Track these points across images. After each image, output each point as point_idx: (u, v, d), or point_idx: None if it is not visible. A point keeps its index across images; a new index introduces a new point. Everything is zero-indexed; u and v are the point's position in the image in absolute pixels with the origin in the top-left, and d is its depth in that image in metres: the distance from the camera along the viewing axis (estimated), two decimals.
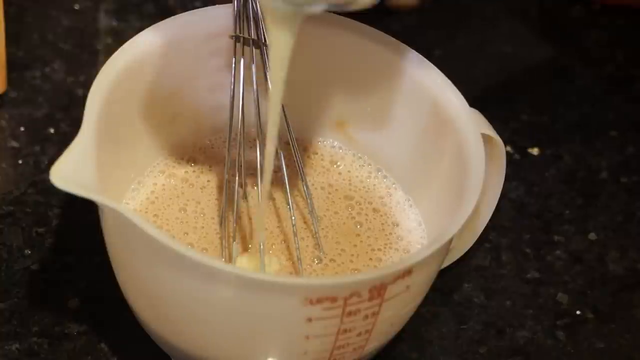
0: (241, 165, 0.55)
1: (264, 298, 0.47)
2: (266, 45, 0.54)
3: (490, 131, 0.54)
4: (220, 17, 0.55)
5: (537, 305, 0.59)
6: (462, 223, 0.49)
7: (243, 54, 0.54)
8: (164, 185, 0.57)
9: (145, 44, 0.54)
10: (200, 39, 0.55)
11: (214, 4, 0.56)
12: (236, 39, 0.54)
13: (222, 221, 0.55)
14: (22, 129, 0.64)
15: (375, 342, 0.51)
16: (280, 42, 0.48)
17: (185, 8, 0.66)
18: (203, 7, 0.56)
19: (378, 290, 0.47)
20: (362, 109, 0.57)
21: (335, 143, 0.59)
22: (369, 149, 0.59)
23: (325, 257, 0.55)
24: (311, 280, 0.50)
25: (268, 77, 0.52)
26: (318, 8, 0.46)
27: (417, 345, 0.57)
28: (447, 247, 0.51)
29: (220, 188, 0.57)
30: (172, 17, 0.55)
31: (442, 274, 0.55)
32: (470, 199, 0.50)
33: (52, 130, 0.64)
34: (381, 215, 0.57)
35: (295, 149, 0.56)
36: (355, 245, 0.56)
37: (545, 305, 0.59)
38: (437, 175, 0.55)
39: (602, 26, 0.75)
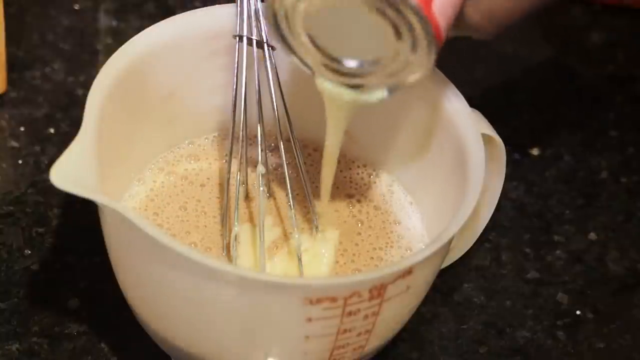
0: (242, 163, 0.55)
1: (264, 298, 0.47)
2: (270, 47, 0.54)
3: (490, 131, 0.54)
4: (221, 17, 0.55)
5: (537, 305, 0.59)
6: (462, 223, 0.49)
7: (246, 54, 0.54)
8: (163, 182, 0.57)
9: (145, 44, 0.54)
10: (200, 39, 0.55)
11: (214, 4, 0.56)
12: (239, 38, 0.54)
13: (224, 219, 0.55)
14: (22, 129, 0.64)
15: (375, 342, 0.51)
16: (337, 122, 0.53)
17: (185, 8, 0.66)
18: (203, 7, 0.56)
19: (378, 290, 0.47)
20: (362, 108, 0.57)
21: None
22: (369, 147, 0.59)
23: None
24: (311, 280, 0.50)
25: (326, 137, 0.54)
26: (378, 95, 0.51)
27: (417, 345, 0.57)
28: (447, 247, 0.51)
29: (220, 186, 0.57)
30: (172, 17, 0.55)
31: (442, 274, 0.55)
32: (470, 198, 0.50)
33: (52, 130, 0.64)
34: (382, 214, 0.57)
35: (296, 147, 0.56)
36: (356, 244, 0.56)
37: (545, 305, 0.59)
38: (438, 175, 0.55)
39: (602, 26, 0.75)
